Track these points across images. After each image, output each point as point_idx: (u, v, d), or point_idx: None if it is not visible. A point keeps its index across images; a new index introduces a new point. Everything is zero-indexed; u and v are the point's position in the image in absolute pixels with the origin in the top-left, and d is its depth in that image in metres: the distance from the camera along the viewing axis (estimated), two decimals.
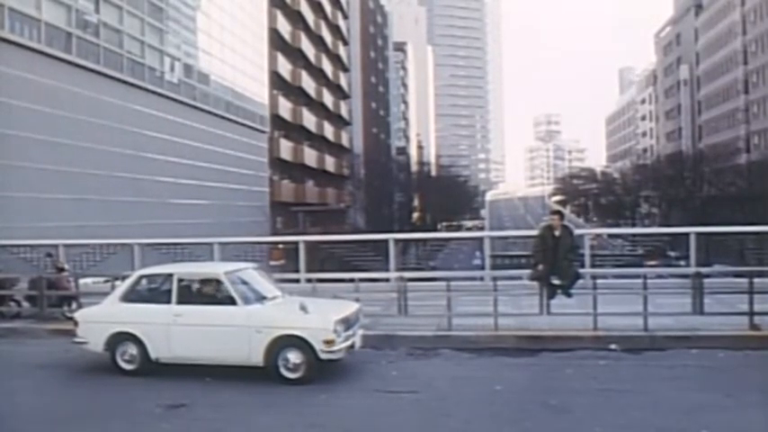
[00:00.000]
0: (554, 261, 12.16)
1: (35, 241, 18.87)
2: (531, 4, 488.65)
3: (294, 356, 9.61)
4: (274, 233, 53.00)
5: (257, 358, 9.71)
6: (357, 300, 12.81)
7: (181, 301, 10.27)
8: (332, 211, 76.26)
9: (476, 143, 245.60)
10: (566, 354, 11.00)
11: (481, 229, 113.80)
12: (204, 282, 10.65)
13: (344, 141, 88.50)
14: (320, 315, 9.85)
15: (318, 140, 76.01)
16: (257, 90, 58.96)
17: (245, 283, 10.64)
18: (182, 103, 45.01)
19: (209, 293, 10.45)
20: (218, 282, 10.33)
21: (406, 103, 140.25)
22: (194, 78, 47.85)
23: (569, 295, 12.30)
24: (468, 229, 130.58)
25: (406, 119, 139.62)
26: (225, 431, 8.05)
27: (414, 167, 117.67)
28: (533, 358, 10.93)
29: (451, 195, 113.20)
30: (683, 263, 19.79)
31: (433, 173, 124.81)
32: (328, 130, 79.91)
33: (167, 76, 43.95)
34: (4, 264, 17.37)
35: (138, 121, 39.08)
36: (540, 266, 12.29)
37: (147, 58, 40.93)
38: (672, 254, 24.97)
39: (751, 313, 11.65)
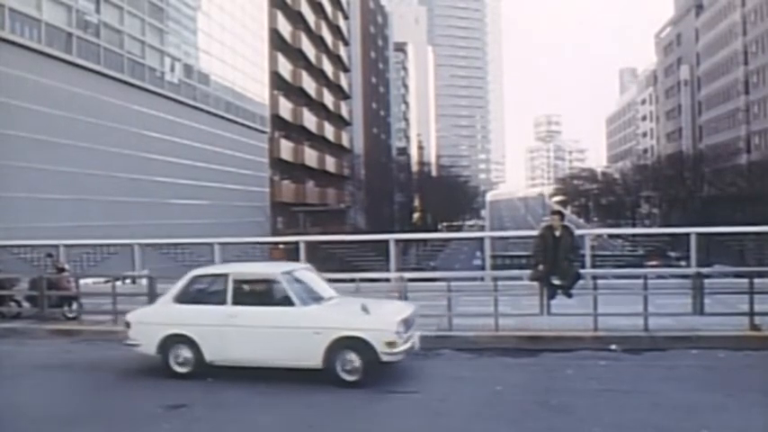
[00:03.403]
0: (554, 261, 12.16)
1: (35, 241, 18.88)
2: (532, 5, 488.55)
3: (354, 359, 9.32)
4: (275, 233, 52.99)
5: (315, 360, 9.40)
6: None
7: (236, 302, 9.97)
8: (332, 211, 76.28)
9: (476, 143, 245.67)
10: (566, 354, 10.99)
11: (481, 229, 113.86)
12: (260, 282, 10.37)
13: (345, 142, 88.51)
14: (382, 316, 9.60)
15: (319, 141, 76.02)
16: (257, 90, 58.97)
17: (301, 283, 10.35)
18: (182, 103, 45.02)
19: (265, 294, 10.18)
20: (275, 282, 10.07)
21: (406, 103, 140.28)
22: (194, 79, 47.86)
23: (570, 295, 12.30)
24: (471, 226, 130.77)
25: (406, 119, 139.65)
26: (225, 431, 8.05)
27: (414, 168, 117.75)
28: (534, 358, 10.93)
29: (452, 196, 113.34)
30: (683, 263, 19.78)
31: (434, 173, 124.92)
32: (329, 131, 79.91)
33: (167, 77, 43.96)
34: (5, 264, 17.38)
35: (138, 121, 39.09)
36: (541, 267, 12.29)
37: (147, 59, 40.94)
38: (672, 254, 24.93)
39: (751, 313, 11.65)
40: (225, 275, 10.28)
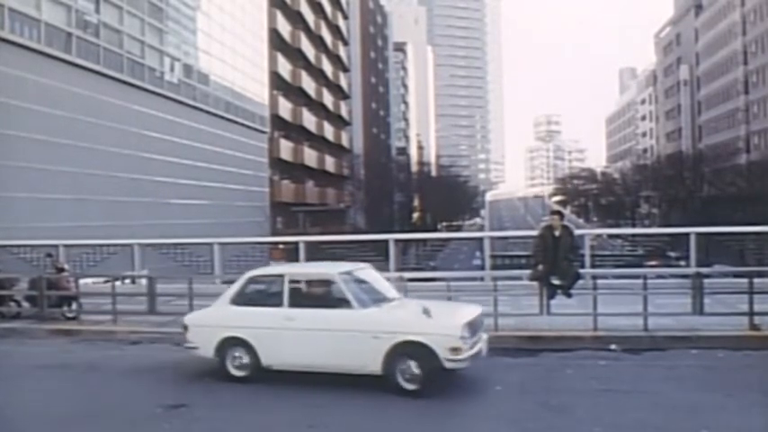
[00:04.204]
0: (554, 261, 12.16)
1: (35, 241, 18.90)
2: (532, 5, 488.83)
3: (414, 365, 8.78)
4: (274, 233, 53.03)
5: (375, 366, 8.92)
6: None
7: (293, 304, 9.59)
8: (332, 211, 76.29)
9: (476, 143, 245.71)
10: (566, 354, 10.99)
11: (480, 229, 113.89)
12: (317, 283, 10.01)
13: (344, 141, 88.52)
14: (445, 319, 9.10)
15: (318, 141, 76.03)
16: (257, 90, 58.97)
17: (361, 284, 9.94)
18: (182, 103, 45.02)
19: (322, 295, 9.78)
20: (333, 283, 9.63)
21: (406, 103, 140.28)
22: (194, 78, 47.85)
23: (569, 295, 12.30)
24: (471, 225, 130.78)
25: (406, 119, 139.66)
26: (225, 431, 8.05)
27: (414, 168, 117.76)
28: (534, 358, 10.93)
29: (451, 196, 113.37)
30: (683, 263, 19.78)
31: (434, 173, 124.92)
32: (328, 131, 79.93)
33: (167, 77, 43.95)
34: (5, 264, 17.39)
35: (137, 121, 39.09)
36: (540, 266, 12.29)
37: (146, 59, 40.93)
38: (672, 254, 24.95)
39: (751, 313, 11.65)
40: (281, 276, 9.92)
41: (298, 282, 9.93)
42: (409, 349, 8.82)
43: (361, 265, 10.98)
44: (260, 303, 9.96)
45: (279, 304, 9.65)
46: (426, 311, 8.99)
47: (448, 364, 8.73)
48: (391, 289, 10.42)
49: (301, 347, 9.40)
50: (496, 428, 7.83)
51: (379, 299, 9.81)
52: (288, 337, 9.45)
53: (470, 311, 9.57)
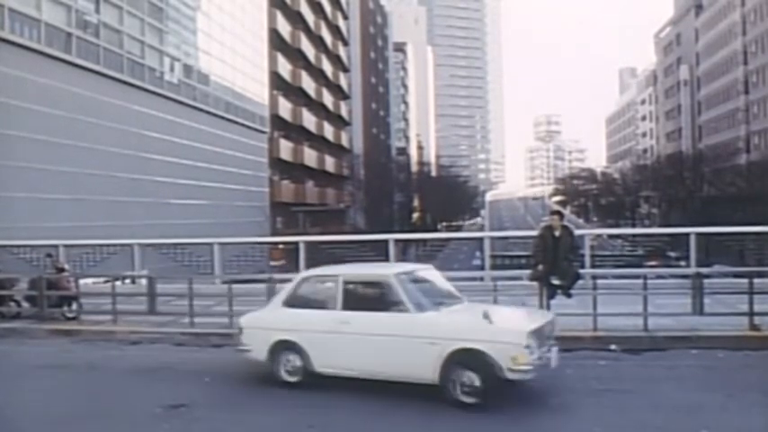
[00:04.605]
0: (554, 261, 12.14)
1: (35, 241, 18.91)
2: (532, 5, 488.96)
3: (473, 375, 8.15)
4: (274, 233, 53.04)
5: (431, 375, 8.37)
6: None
7: (347, 307, 9.13)
8: (332, 211, 76.30)
9: (476, 143, 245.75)
10: (566, 354, 10.91)
11: (481, 229, 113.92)
12: (373, 285, 9.41)
13: (344, 142, 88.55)
14: (508, 325, 8.55)
15: (318, 141, 76.05)
16: (257, 90, 58.99)
17: (419, 286, 9.40)
18: (181, 103, 45.04)
19: (377, 298, 9.17)
20: (388, 285, 9.04)
21: (406, 103, 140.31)
22: (194, 79, 47.87)
23: (569, 295, 12.28)
24: (472, 225, 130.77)
25: (406, 119, 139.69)
26: (225, 431, 8.05)
27: (414, 168, 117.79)
28: None
29: (451, 196, 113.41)
30: (683, 263, 19.81)
31: (433, 173, 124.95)
32: (328, 131, 79.95)
33: (167, 77, 43.97)
34: (5, 264, 17.39)
35: (137, 121, 39.11)
36: (540, 267, 12.27)
37: (146, 59, 40.95)
38: (672, 254, 24.99)
39: (751, 313, 11.65)
40: (335, 277, 9.50)
41: (352, 283, 9.41)
42: (468, 358, 8.20)
43: (422, 265, 10.48)
44: (313, 305, 9.56)
45: (332, 307, 9.25)
46: (487, 316, 8.31)
47: (510, 375, 8.06)
48: (454, 291, 9.83)
49: (354, 353, 8.94)
50: (496, 428, 7.83)
51: (438, 302, 9.25)
52: (341, 341, 9.01)
53: (538, 317, 9.03)
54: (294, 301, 9.65)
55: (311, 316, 9.40)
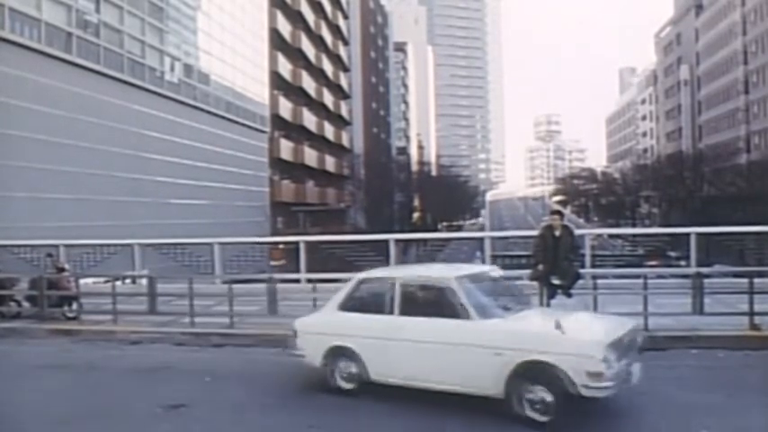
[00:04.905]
0: (554, 261, 12.14)
1: (35, 241, 18.91)
2: (532, 4, 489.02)
3: (542, 391, 7.46)
4: (275, 233, 53.05)
5: (495, 388, 7.75)
6: None
7: (405, 312, 8.62)
8: (332, 211, 76.32)
9: (476, 143, 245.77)
10: None
11: (482, 228, 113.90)
12: (432, 288, 8.80)
13: (345, 141, 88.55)
14: (584, 336, 7.81)
15: (319, 140, 76.06)
16: (257, 90, 59.00)
17: (482, 290, 8.79)
18: (182, 103, 45.04)
19: (437, 303, 8.57)
20: (449, 288, 8.45)
21: (406, 103, 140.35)
22: (194, 78, 47.87)
23: (569, 295, 12.27)
24: (473, 225, 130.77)
25: (406, 119, 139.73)
26: (225, 431, 8.05)
27: (414, 167, 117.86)
28: None
29: (452, 195, 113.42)
30: (683, 263, 19.80)
31: (434, 173, 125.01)
32: (328, 130, 79.96)
33: (167, 76, 43.97)
34: (5, 264, 17.39)
35: (138, 121, 39.11)
36: (541, 266, 12.27)
37: (147, 58, 40.95)
38: (672, 254, 24.97)
39: (751, 313, 11.65)
40: (392, 280, 8.97)
41: (410, 286, 8.87)
42: (537, 371, 7.52)
43: (484, 267, 9.82)
44: (370, 309, 9.02)
45: (389, 311, 8.74)
46: (559, 325, 7.54)
47: (585, 392, 7.29)
48: (522, 296, 9.26)
49: (412, 361, 8.40)
50: (496, 428, 7.81)
51: (504, 308, 8.64)
52: (397, 348, 8.52)
53: (618, 326, 8.18)
54: (350, 305, 9.19)
55: (367, 321, 8.90)
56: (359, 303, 9.19)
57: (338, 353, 8.93)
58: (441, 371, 8.21)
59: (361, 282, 9.44)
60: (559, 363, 7.38)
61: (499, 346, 7.78)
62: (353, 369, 8.84)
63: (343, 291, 9.43)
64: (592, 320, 8.97)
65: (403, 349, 8.48)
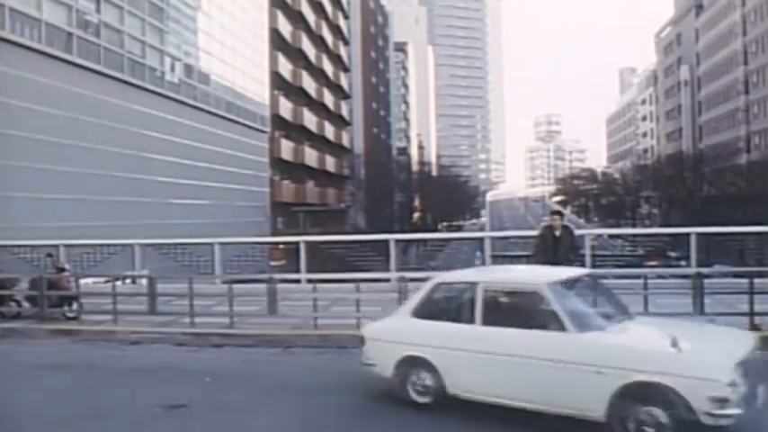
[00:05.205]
0: (554, 261, 12.15)
1: (35, 241, 18.91)
2: (532, 5, 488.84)
3: (656, 415, 6.52)
4: (275, 233, 53.04)
5: (595, 411, 6.85)
6: (357, 301, 12.86)
7: (488, 321, 7.80)
8: (332, 211, 76.33)
9: (476, 143, 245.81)
10: None
11: (482, 228, 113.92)
12: (520, 295, 8.02)
13: (345, 141, 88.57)
14: (705, 354, 6.83)
15: (319, 141, 76.07)
16: (258, 90, 59.00)
17: (577, 297, 7.95)
18: (182, 103, 45.05)
19: (526, 311, 7.79)
20: (540, 295, 7.58)
21: (406, 103, 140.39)
22: (195, 78, 47.88)
23: None
24: (473, 224, 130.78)
25: (406, 119, 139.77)
26: (225, 431, 8.05)
27: (414, 168, 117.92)
28: None
29: (452, 196, 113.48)
30: (683, 263, 19.78)
31: (434, 173, 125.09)
32: (329, 131, 79.97)
33: (168, 76, 43.98)
34: (5, 264, 17.39)
35: (138, 121, 39.11)
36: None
37: (147, 58, 40.96)
38: (672, 254, 24.96)
39: (751, 313, 11.63)
40: (473, 285, 8.11)
41: (494, 292, 8.05)
42: (648, 393, 6.58)
43: (576, 271, 8.94)
44: (447, 317, 8.29)
45: (470, 320, 7.94)
46: (674, 342, 6.58)
47: (706, 420, 6.39)
48: (621, 304, 8.21)
49: (496, 377, 7.64)
50: (497, 428, 7.81)
51: (603, 318, 7.65)
52: (480, 362, 7.73)
53: (741, 342, 7.24)
54: (425, 311, 8.40)
55: (445, 329, 8.11)
56: (435, 309, 8.42)
57: (412, 363, 8.18)
58: (529, 389, 7.39)
59: (438, 285, 8.66)
60: (676, 386, 6.45)
61: (601, 364, 6.84)
62: (429, 381, 8.08)
63: (418, 295, 8.66)
64: (708, 335, 7.77)
65: (486, 363, 7.68)
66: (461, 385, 7.90)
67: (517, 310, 7.94)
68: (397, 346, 8.37)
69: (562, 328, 7.26)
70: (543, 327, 7.44)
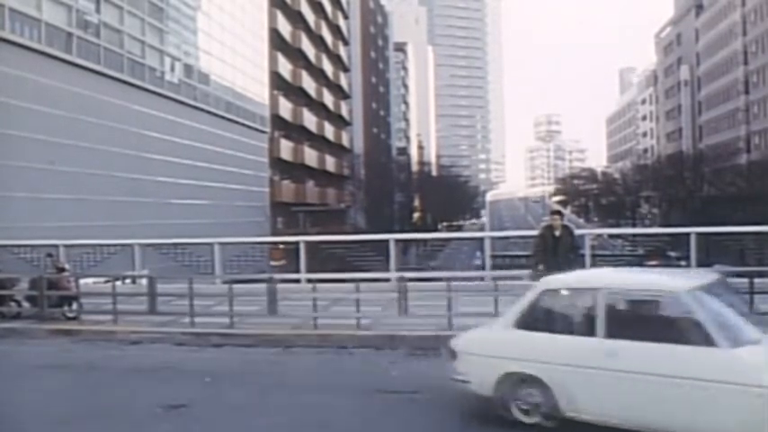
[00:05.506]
0: (554, 261, 12.15)
1: (35, 241, 18.92)
2: (532, 4, 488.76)
3: None
4: (275, 233, 53.02)
5: None
6: (357, 301, 12.87)
7: (613, 333, 6.79)
8: (332, 211, 76.34)
9: (476, 143, 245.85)
10: None
11: (482, 228, 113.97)
12: (653, 303, 6.98)
13: (345, 141, 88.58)
14: None
15: (319, 141, 76.08)
16: (257, 90, 59.00)
17: (720, 305, 6.89)
18: (182, 103, 45.05)
19: (663, 322, 6.81)
20: (681, 304, 6.60)
21: (406, 103, 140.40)
22: (194, 78, 47.88)
23: None
24: (473, 224, 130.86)
25: (406, 119, 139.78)
26: (225, 431, 8.05)
27: (414, 168, 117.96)
28: None
29: (452, 196, 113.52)
30: (683, 263, 19.76)
31: (434, 173, 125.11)
32: (329, 131, 79.98)
33: (167, 77, 43.98)
34: (5, 264, 17.38)
35: (138, 121, 39.11)
36: (541, 266, 12.28)
37: (147, 59, 40.96)
38: (672, 254, 24.96)
39: None
40: (593, 291, 7.11)
41: (620, 299, 7.08)
42: None
43: (711, 275, 7.91)
44: (561, 328, 7.34)
45: (590, 332, 6.96)
46: None
47: None
48: (754, 310, 7.53)
49: (625, 398, 6.66)
50: (496, 429, 7.81)
51: (754, 331, 6.64)
52: (605, 381, 6.74)
53: None
54: (532, 321, 7.43)
55: (559, 343, 7.16)
56: (544, 319, 7.45)
57: (517, 380, 7.27)
58: (671, 413, 6.43)
59: (547, 292, 7.59)
60: None
61: (762, 384, 5.92)
62: (538, 400, 7.14)
63: (521, 304, 7.67)
64: None
65: (612, 382, 6.70)
66: (580, 406, 6.93)
67: (649, 321, 6.97)
68: (499, 360, 7.46)
69: (709, 341, 6.28)
70: (683, 340, 6.46)
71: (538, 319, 7.45)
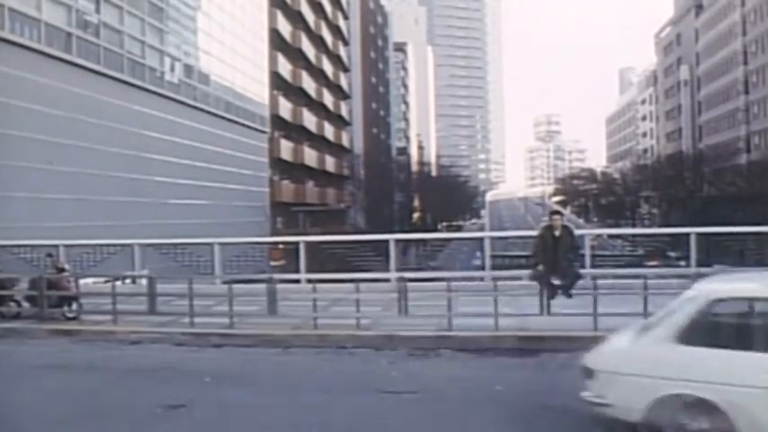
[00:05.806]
0: (554, 261, 12.17)
1: (35, 241, 18.90)
2: (532, 4, 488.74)
3: None
4: (275, 233, 53.01)
5: None
6: (357, 301, 12.87)
7: None
8: (332, 211, 76.33)
9: (476, 143, 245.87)
10: (566, 354, 10.95)
11: (482, 228, 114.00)
12: None
13: (345, 142, 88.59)
14: None
15: (318, 141, 76.09)
16: (257, 90, 59.00)
17: None
18: (182, 103, 45.05)
19: None
20: None
21: (406, 103, 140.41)
22: (194, 78, 47.88)
23: (569, 296, 12.30)
24: (474, 224, 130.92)
25: (406, 119, 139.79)
26: (225, 431, 8.05)
27: (414, 168, 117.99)
28: (534, 359, 10.91)
29: (452, 196, 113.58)
30: (683, 263, 19.80)
31: (434, 173, 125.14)
32: (328, 131, 79.99)
33: (167, 77, 43.98)
34: (5, 264, 17.37)
35: (138, 121, 39.11)
36: (540, 266, 12.30)
37: (147, 59, 40.96)
38: (672, 254, 25.00)
39: None
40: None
41: None
42: None
43: None
44: (738, 344, 6.34)
45: None
46: None
47: None
48: None
49: None
50: (496, 429, 7.83)
51: None
52: None
53: None
54: (699, 335, 6.42)
55: (739, 361, 6.19)
56: (714, 333, 6.49)
57: (680, 403, 6.29)
58: None
59: (716, 302, 6.58)
60: None
61: None
62: (706, 427, 6.20)
63: (682, 315, 6.63)
64: None
65: None
66: None
67: None
68: (656, 381, 6.44)
69: None
70: None
71: (707, 332, 6.47)
